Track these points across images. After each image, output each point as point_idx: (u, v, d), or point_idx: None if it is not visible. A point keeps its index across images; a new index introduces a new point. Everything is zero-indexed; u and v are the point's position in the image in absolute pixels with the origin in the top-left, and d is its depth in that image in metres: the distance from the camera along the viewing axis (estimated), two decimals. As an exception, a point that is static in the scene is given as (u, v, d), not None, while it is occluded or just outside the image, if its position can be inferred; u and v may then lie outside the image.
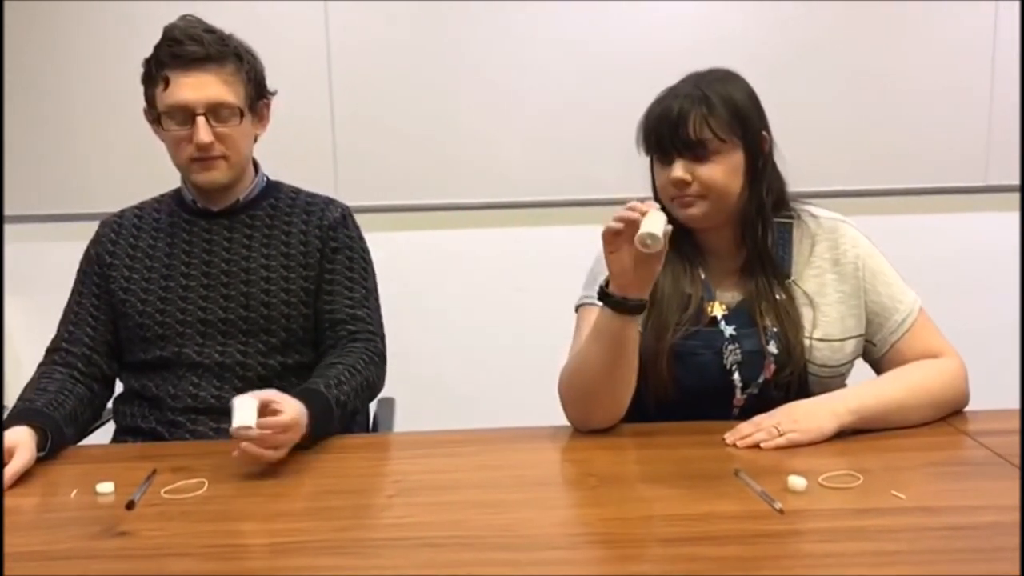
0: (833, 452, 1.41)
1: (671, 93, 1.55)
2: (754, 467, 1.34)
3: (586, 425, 1.55)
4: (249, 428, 1.33)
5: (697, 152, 1.51)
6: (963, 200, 3.03)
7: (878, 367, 1.64)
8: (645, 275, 1.44)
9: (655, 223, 1.37)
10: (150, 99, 1.70)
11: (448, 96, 2.93)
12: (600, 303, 1.48)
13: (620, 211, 1.41)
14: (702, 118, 1.50)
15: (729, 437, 1.45)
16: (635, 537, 1.19)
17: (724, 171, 1.53)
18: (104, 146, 2.92)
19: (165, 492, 1.33)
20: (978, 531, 1.15)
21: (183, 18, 1.69)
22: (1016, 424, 1.51)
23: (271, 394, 1.40)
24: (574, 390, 1.55)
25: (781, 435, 1.43)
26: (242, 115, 1.69)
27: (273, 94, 1.80)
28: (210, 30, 1.67)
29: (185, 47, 1.63)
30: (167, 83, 1.64)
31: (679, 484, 1.28)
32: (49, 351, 1.75)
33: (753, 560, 1.10)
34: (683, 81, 1.57)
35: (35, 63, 2.88)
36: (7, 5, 2.82)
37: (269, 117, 1.80)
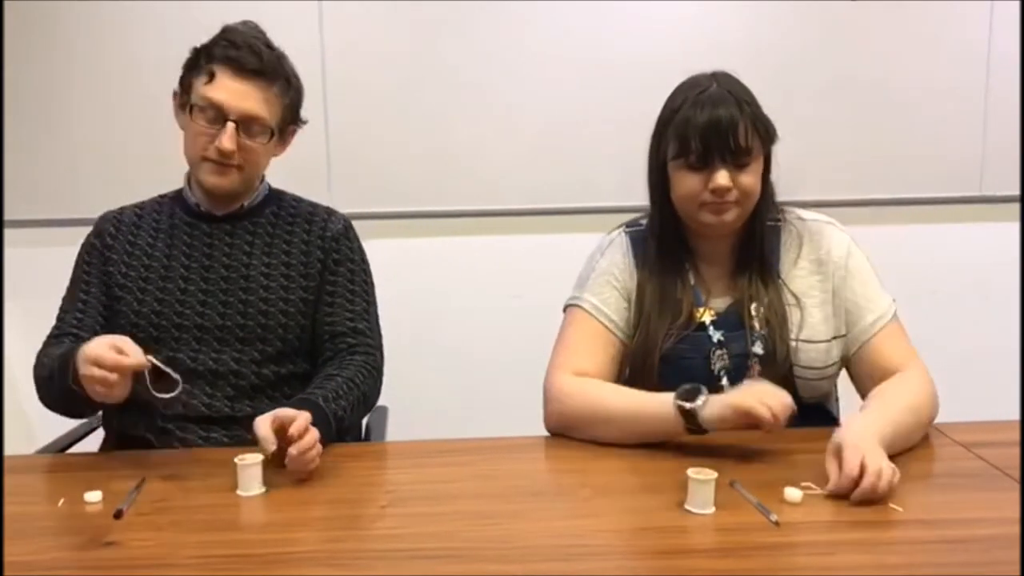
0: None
1: (708, 99, 1.51)
2: (750, 479, 1.33)
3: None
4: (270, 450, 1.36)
5: (740, 159, 1.51)
6: (958, 210, 3.03)
7: (848, 367, 1.64)
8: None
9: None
10: (187, 86, 1.68)
11: (443, 102, 2.92)
12: (684, 406, 1.42)
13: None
14: (751, 126, 1.51)
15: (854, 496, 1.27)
16: (629, 549, 1.18)
17: (757, 177, 1.55)
18: (98, 150, 2.88)
19: (154, 501, 1.31)
20: (976, 544, 1.14)
21: (245, 23, 1.69)
22: (1012, 436, 1.50)
23: (272, 415, 1.40)
24: (573, 431, 1.55)
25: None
26: (271, 135, 1.68)
27: (304, 123, 1.80)
28: (270, 46, 1.68)
29: (242, 53, 1.63)
30: (212, 78, 1.63)
31: (674, 495, 1.27)
32: (56, 336, 1.70)
33: (749, 573, 1.09)
34: (708, 86, 1.53)
35: (29, 65, 2.86)
36: (5, 6, 2.81)
37: (291, 142, 1.80)
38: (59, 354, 1.57)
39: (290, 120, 1.75)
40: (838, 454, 1.30)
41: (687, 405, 1.42)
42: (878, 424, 1.38)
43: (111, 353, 1.37)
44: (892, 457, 1.32)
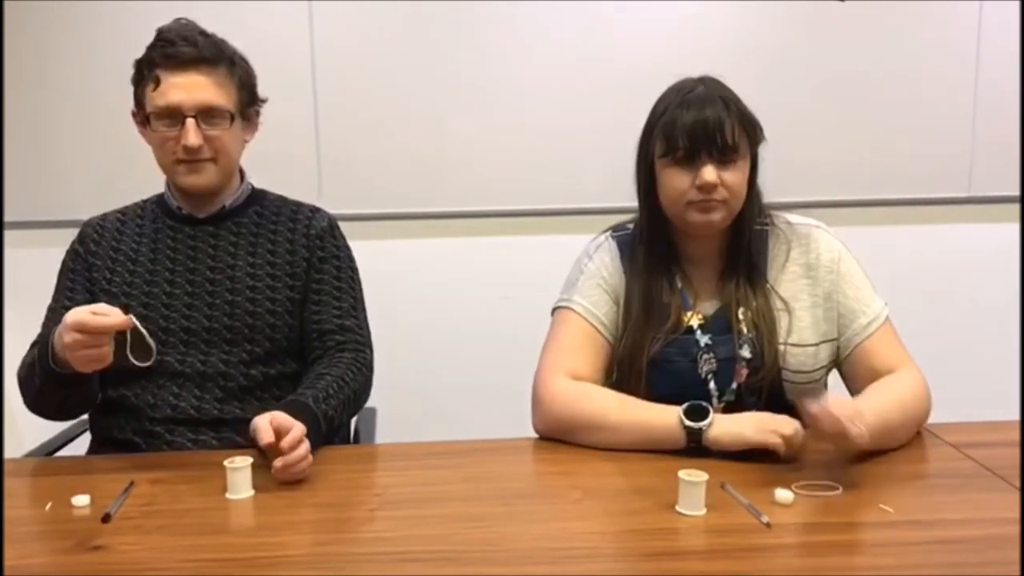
0: (819, 464, 1.40)
1: (695, 99, 1.52)
2: (740, 480, 1.33)
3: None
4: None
5: (727, 157, 1.51)
6: (946, 211, 3.04)
7: (840, 369, 1.65)
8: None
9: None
10: (139, 99, 1.68)
11: (433, 106, 2.91)
12: (691, 426, 1.44)
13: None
14: (738, 125, 1.52)
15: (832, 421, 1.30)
16: (620, 551, 1.17)
17: (743, 177, 1.55)
18: (89, 152, 2.87)
19: (142, 505, 1.30)
20: (967, 544, 1.14)
21: (177, 21, 1.68)
22: (1002, 436, 1.51)
23: (271, 415, 1.39)
24: (565, 435, 1.54)
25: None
26: (232, 119, 1.67)
27: (264, 101, 1.79)
28: (204, 33, 1.66)
29: (179, 48, 1.61)
30: (158, 83, 1.63)
31: (664, 497, 1.27)
32: (38, 344, 1.66)
33: (740, 574, 1.08)
34: (695, 87, 1.54)
35: (20, 65, 2.84)
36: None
37: (258, 124, 1.79)
38: (35, 343, 1.57)
39: (248, 101, 1.73)
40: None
41: (694, 425, 1.43)
42: (864, 407, 1.39)
43: (93, 317, 1.37)
44: (879, 454, 1.37)
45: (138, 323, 1.40)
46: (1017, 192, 2.97)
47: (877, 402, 1.45)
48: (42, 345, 1.53)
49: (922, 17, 2.91)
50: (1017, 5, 2.88)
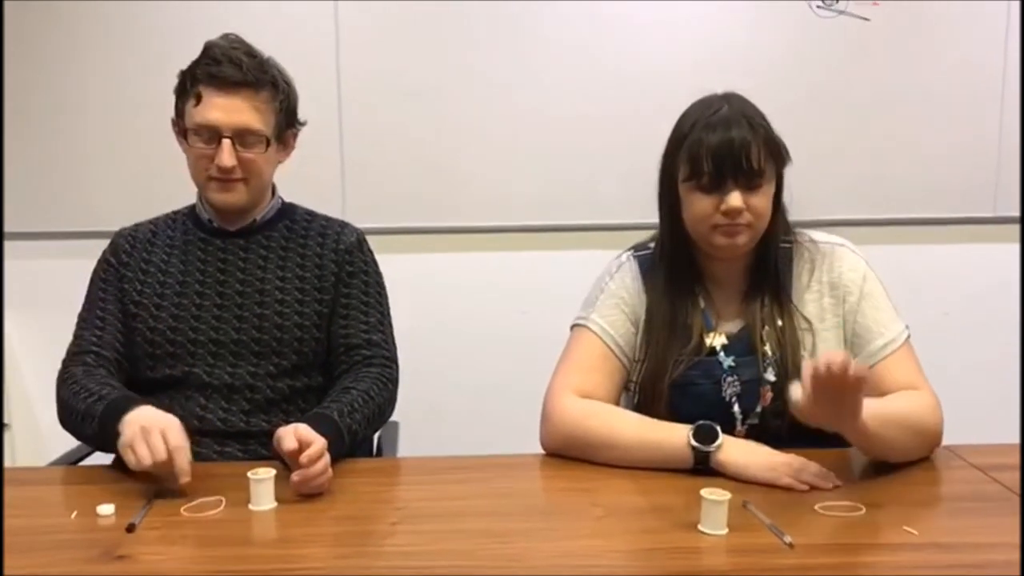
0: (843, 484, 1.39)
1: (719, 121, 1.49)
2: (763, 499, 1.32)
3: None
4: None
5: (753, 182, 1.50)
6: (972, 231, 3.01)
7: None
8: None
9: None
10: (180, 111, 1.70)
11: (454, 122, 2.92)
12: (699, 448, 1.44)
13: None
14: (765, 148, 1.50)
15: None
16: (641, 570, 1.17)
17: (769, 199, 1.53)
18: (114, 162, 2.91)
19: (166, 515, 1.31)
20: (991, 569, 1.13)
21: (225, 37, 1.69)
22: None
23: (294, 428, 1.40)
24: (572, 451, 1.54)
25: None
26: (268, 143, 1.69)
27: (303, 124, 1.80)
28: (251, 54, 1.67)
29: (223, 68, 1.63)
30: (199, 100, 1.64)
31: (686, 515, 1.27)
32: (77, 353, 1.69)
33: (762, 595, 1.08)
34: (718, 107, 1.52)
35: (44, 71, 2.88)
36: (17, 12, 2.83)
37: (294, 146, 1.80)
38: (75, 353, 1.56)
39: (286, 124, 1.74)
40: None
41: (702, 448, 1.43)
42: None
43: (182, 456, 1.38)
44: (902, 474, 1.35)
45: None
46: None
47: (879, 408, 1.43)
48: (111, 412, 1.50)
49: (948, 34, 2.90)
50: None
